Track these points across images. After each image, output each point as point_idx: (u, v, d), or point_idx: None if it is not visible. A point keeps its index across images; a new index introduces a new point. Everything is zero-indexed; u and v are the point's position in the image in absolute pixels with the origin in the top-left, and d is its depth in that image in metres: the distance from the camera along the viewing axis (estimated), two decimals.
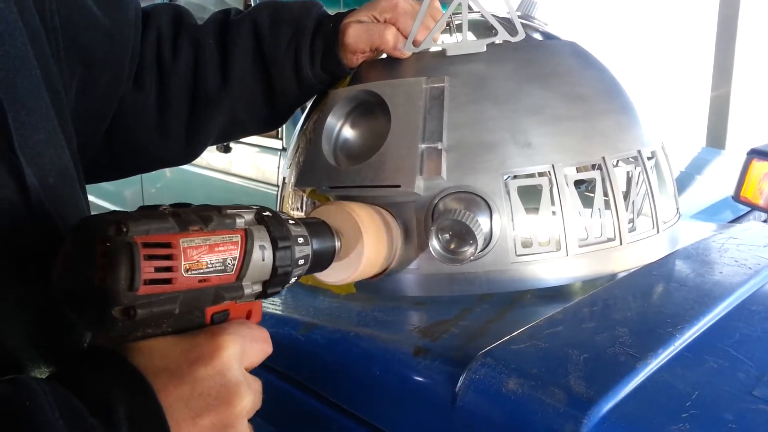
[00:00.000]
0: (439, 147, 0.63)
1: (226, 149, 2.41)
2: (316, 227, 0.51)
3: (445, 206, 0.63)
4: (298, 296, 0.72)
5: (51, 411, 0.32)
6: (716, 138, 4.18)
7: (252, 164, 2.37)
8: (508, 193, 0.63)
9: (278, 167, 2.22)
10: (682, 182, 2.25)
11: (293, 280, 0.45)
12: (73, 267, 0.35)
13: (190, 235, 0.36)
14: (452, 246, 0.60)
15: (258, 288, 0.42)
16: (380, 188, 0.63)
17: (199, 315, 0.39)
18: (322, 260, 0.51)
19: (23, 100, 0.43)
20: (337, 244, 0.53)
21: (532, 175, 0.64)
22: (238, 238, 0.39)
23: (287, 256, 0.43)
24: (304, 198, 0.74)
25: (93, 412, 0.33)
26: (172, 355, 0.37)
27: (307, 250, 0.46)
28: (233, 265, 0.39)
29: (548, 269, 0.65)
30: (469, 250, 0.59)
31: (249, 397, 0.39)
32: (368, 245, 0.56)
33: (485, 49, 0.70)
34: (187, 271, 0.36)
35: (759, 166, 1.59)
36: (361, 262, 0.55)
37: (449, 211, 0.60)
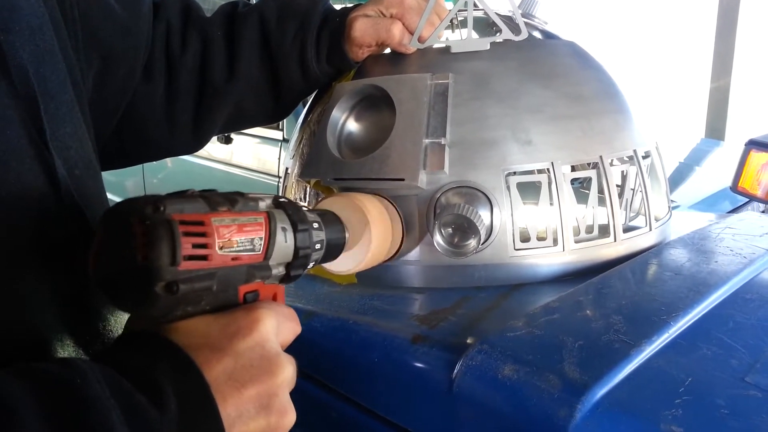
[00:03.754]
0: (443, 142, 0.64)
1: (227, 140, 2.42)
2: (326, 216, 0.51)
3: (447, 200, 0.64)
4: (298, 285, 0.72)
5: (101, 388, 0.32)
6: (715, 129, 4.17)
7: (253, 155, 2.37)
8: (509, 188, 0.64)
9: (279, 158, 2.23)
10: (682, 173, 2.26)
11: (311, 264, 0.46)
12: (110, 251, 0.36)
13: (220, 215, 0.38)
14: (455, 239, 0.61)
15: (282, 270, 0.43)
16: (384, 181, 0.64)
17: (233, 293, 0.40)
18: (333, 249, 0.52)
19: (52, 93, 0.44)
20: (346, 234, 0.53)
21: (531, 172, 0.65)
22: (262, 220, 0.40)
23: (306, 239, 0.44)
24: (308, 189, 0.75)
25: (140, 389, 0.34)
26: (212, 332, 0.38)
27: (322, 236, 0.47)
28: (260, 245, 0.40)
29: (545, 263, 0.66)
30: (471, 243, 0.61)
31: (290, 367, 0.40)
32: (375, 236, 0.56)
33: (489, 47, 0.70)
34: (221, 248, 0.37)
35: (757, 157, 1.59)
36: (368, 252, 0.56)
37: (452, 206, 0.61)
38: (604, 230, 0.69)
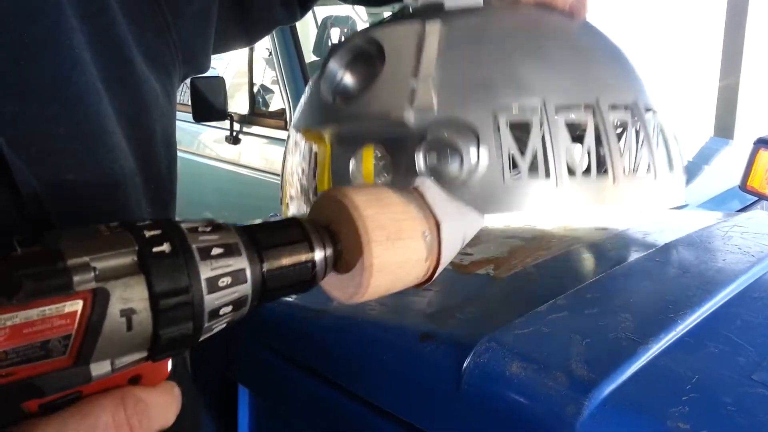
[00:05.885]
0: (431, 81, 0.64)
1: (235, 141, 2.43)
2: (282, 239, 0.34)
3: (433, 136, 0.64)
4: None
5: None
6: (724, 128, 4.15)
7: (260, 155, 2.38)
8: (498, 127, 0.63)
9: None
10: (690, 172, 2.25)
11: (217, 328, 0.31)
12: None
13: None
14: (439, 165, 0.61)
15: (133, 357, 0.29)
16: (372, 120, 0.65)
17: (9, 412, 0.27)
18: (292, 284, 0.34)
19: (38, 91, 0.37)
20: (318, 255, 0.35)
21: (523, 112, 0.64)
22: (78, 306, 0.26)
23: (182, 316, 0.29)
24: (304, 145, 0.75)
25: None
26: None
27: (243, 290, 0.31)
28: (66, 346, 0.26)
29: (538, 198, 0.62)
30: (455, 167, 0.60)
31: None
32: (379, 251, 0.37)
33: (482, 4, 0.70)
34: None
35: (766, 155, 1.58)
36: (366, 274, 0.37)
37: (438, 135, 0.61)
38: (602, 169, 0.65)
